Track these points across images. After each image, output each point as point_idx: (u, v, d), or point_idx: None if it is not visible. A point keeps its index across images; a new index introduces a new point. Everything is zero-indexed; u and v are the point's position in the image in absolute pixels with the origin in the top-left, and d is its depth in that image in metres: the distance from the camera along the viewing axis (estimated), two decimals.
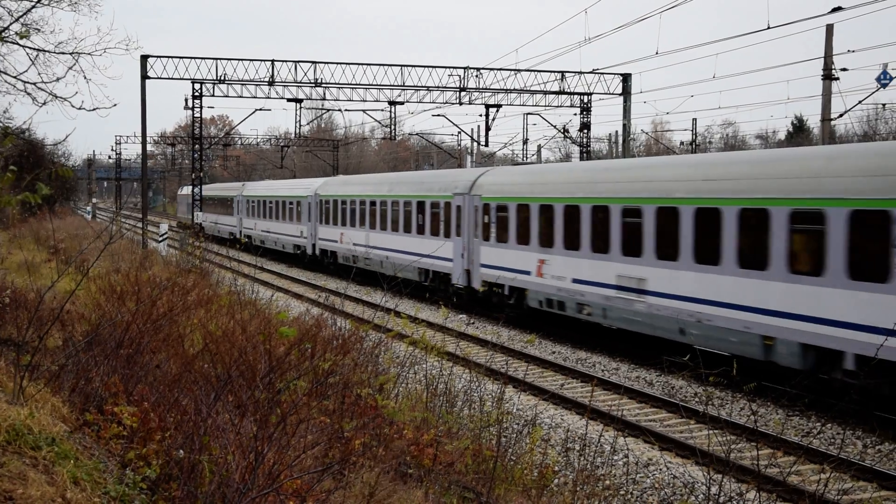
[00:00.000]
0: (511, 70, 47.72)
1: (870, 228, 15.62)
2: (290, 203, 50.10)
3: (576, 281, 23.98)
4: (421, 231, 32.95)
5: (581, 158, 50.54)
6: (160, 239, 49.55)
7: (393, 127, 53.03)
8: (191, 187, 54.75)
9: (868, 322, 15.42)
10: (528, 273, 26.16)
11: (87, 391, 8.88)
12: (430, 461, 9.40)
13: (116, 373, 9.22)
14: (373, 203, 37.50)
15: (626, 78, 48.17)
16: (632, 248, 21.72)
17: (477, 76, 47.40)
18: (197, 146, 50.92)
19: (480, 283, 28.78)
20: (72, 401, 8.61)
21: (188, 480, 6.97)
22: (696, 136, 73.48)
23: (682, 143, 78.73)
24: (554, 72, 48.31)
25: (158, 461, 7.20)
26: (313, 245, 46.12)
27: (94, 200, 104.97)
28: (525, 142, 75.70)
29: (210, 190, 69.08)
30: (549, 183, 26.21)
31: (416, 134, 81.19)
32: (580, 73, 48.25)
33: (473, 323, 28.23)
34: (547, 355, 23.41)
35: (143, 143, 48.04)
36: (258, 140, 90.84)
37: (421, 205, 33.13)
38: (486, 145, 52.72)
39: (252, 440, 6.97)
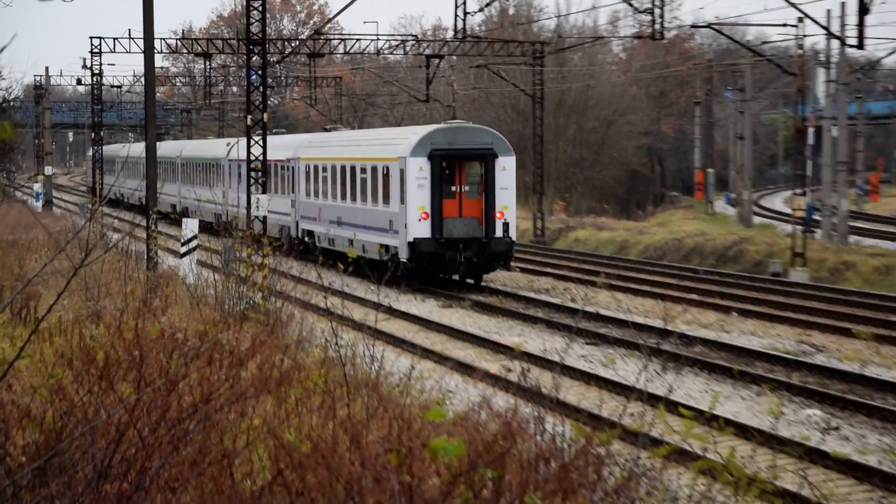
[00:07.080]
0: None
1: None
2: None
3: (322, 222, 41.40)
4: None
5: None
6: (183, 250, 31.76)
7: (658, 15, 35.63)
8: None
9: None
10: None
11: None
12: None
13: None
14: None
15: None
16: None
17: None
18: (257, 56, 33.63)
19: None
20: None
21: None
22: None
23: None
24: None
25: None
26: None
27: (48, 170, 74.64)
28: None
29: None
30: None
31: (707, 25, 53.83)
32: None
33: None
34: None
35: (149, 49, 30.28)
36: (380, 46, 56.08)
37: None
38: (861, 46, 36.30)
39: None
